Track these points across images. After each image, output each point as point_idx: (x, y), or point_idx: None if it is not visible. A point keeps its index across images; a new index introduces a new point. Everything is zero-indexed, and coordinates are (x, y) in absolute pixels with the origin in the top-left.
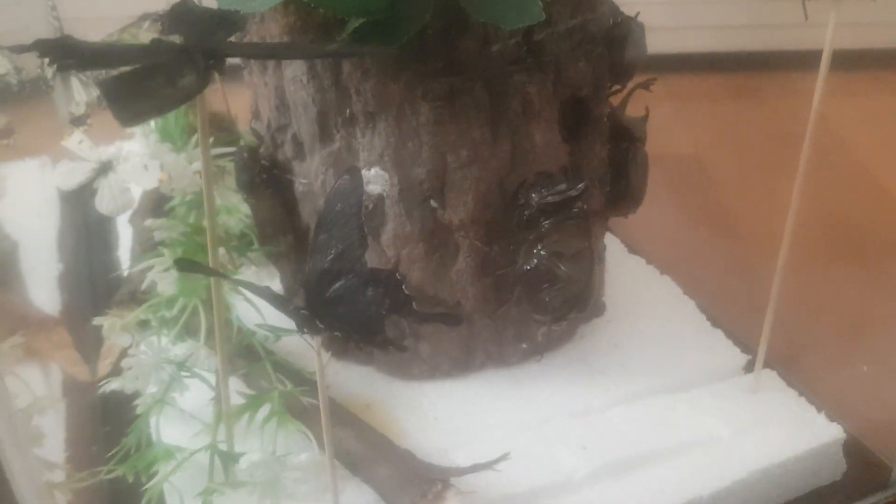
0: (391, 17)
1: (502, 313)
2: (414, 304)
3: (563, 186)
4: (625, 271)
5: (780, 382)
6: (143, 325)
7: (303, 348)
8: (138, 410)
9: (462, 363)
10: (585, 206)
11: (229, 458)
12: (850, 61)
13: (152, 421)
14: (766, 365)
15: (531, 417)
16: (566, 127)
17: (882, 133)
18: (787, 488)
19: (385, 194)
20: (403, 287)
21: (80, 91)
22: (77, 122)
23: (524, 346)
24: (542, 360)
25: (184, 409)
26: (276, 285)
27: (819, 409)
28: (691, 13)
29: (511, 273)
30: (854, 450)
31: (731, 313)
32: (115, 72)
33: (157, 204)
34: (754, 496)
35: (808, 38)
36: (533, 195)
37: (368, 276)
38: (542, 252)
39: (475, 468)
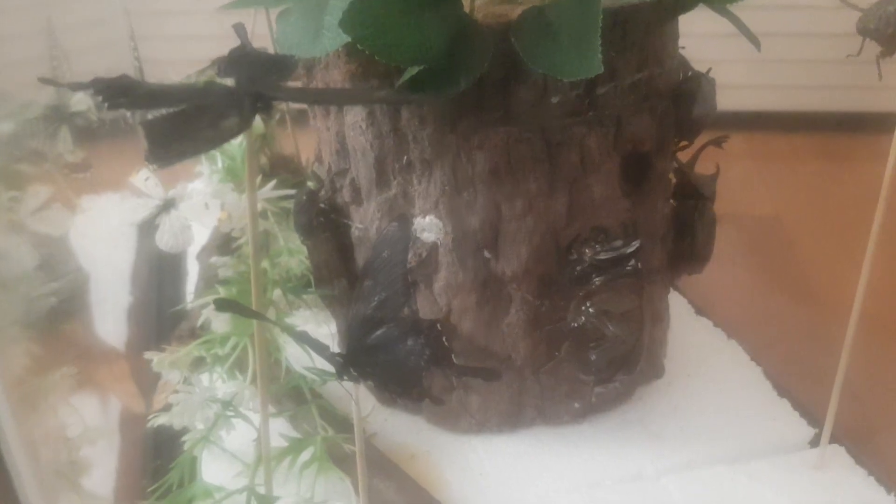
0: (448, 65)
1: (553, 370)
2: (454, 356)
3: (618, 243)
4: (690, 333)
5: (849, 459)
6: (199, 361)
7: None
8: (185, 447)
9: (512, 419)
10: (639, 265)
11: (265, 501)
12: None
13: (197, 458)
14: (835, 440)
15: (580, 479)
16: (628, 182)
17: None
18: None
19: (439, 243)
20: (444, 339)
21: None
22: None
23: (576, 405)
24: (597, 421)
25: (228, 448)
26: (333, 329)
27: (889, 491)
28: (774, 72)
29: (560, 329)
30: None
31: (799, 383)
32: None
33: (225, 242)
34: None
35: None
36: (586, 250)
37: (409, 325)
38: (590, 309)
39: None
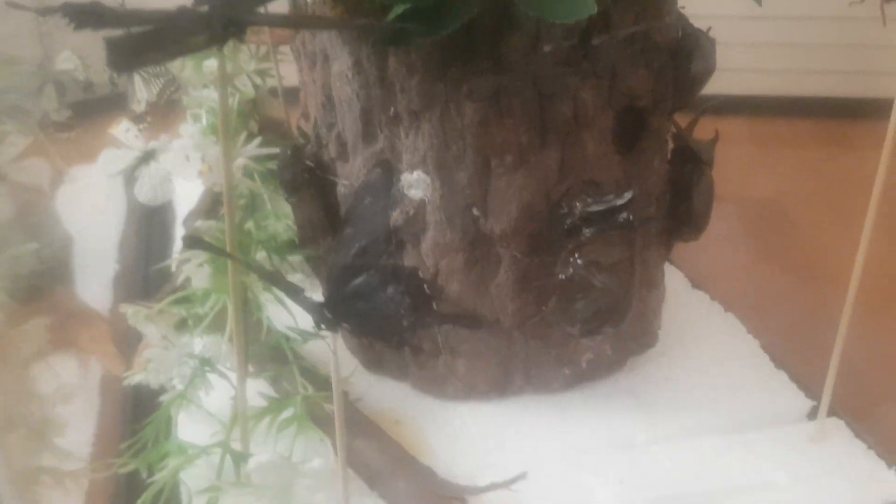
0: (437, 5)
1: (542, 334)
2: (434, 304)
3: (609, 196)
4: (686, 306)
5: (848, 432)
6: (181, 324)
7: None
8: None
9: (499, 385)
10: (631, 217)
11: (240, 458)
12: None
13: (173, 417)
14: (834, 414)
15: (568, 447)
16: (622, 139)
17: None
18: None
19: (427, 200)
20: (425, 286)
21: (142, 89)
22: (138, 119)
23: (566, 371)
24: (587, 389)
25: (209, 409)
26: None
27: (889, 465)
28: (778, 56)
29: (547, 283)
30: None
31: (797, 356)
32: None
33: (212, 207)
34: None
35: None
36: (577, 203)
37: (390, 273)
38: (579, 261)
39: (492, 486)
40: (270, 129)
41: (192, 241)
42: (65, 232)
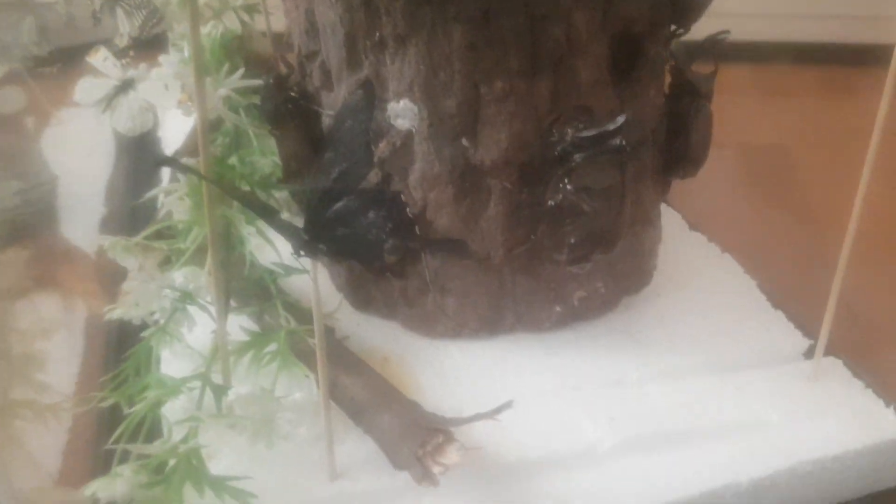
0: None
1: (534, 270)
2: (417, 228)
3: (602, 122)
4: (682, 247)
5: (845, 372)
6: (165, 260)
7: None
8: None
9: (490, 323)
10: (623, 142)
11: (221, 391)
12: None
13: (154, 351)
14: (832, 353)
15: (558, 384)
16: (617, 68)
17: None
18: (841, 487)
19: (414, 130)
20: (408, 210)
21: (124, 23)
22: (120, 54)
23: (558, 308)
24: (579, 328)
25: (192, 345)
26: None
27: (888, 404)
28: (781, 1)
29: (536, 211)
30: None
31: (795, 297)
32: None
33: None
34: (802, 491)
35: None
36: (568, 129)
37: (371, 197)
38: (568, 186)
39: (478, 417)
40: (257, 65)
41: (164, 161)
42: (51, 173)
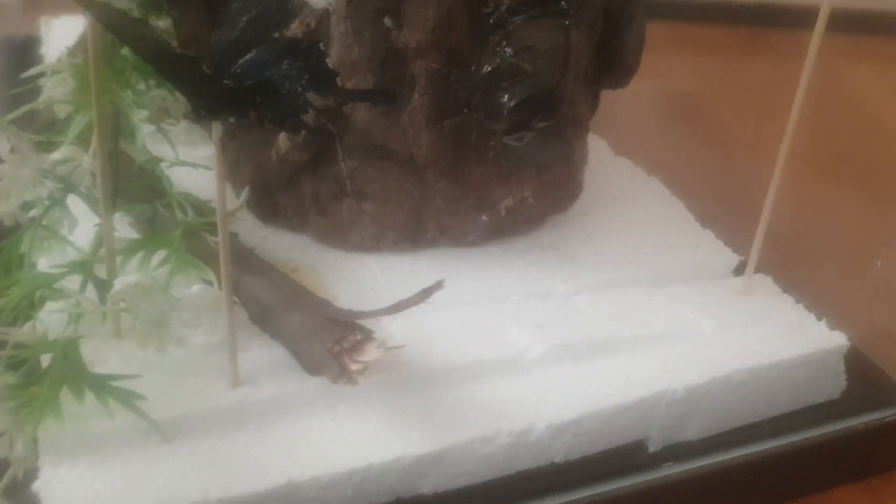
0: None
1: (459, 175)
2: (338, 80)
3: None
4: (608, 170)
5: (776, 288)
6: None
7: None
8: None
9: (411, 233)
10: (567, 5)
11: (105, 286)
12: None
13: (25, 250)
14: (762, 271)
15: (483, 296)
16: None
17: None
18: (775, 398)
19: (331, 9)
20: (327, 60)
21: None
22: None
23: (484, 217)
24: (505, 243)
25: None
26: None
27: (819, 318)
28: None
29: (469, 82)
30: (857, 364)
31: (724, 217)
32: None
33: None
34: (737, 400)
35: None
36: None
37: (285, 46)
38: (507, 49)
39: (402, 305)
40: None
41: None
42: None
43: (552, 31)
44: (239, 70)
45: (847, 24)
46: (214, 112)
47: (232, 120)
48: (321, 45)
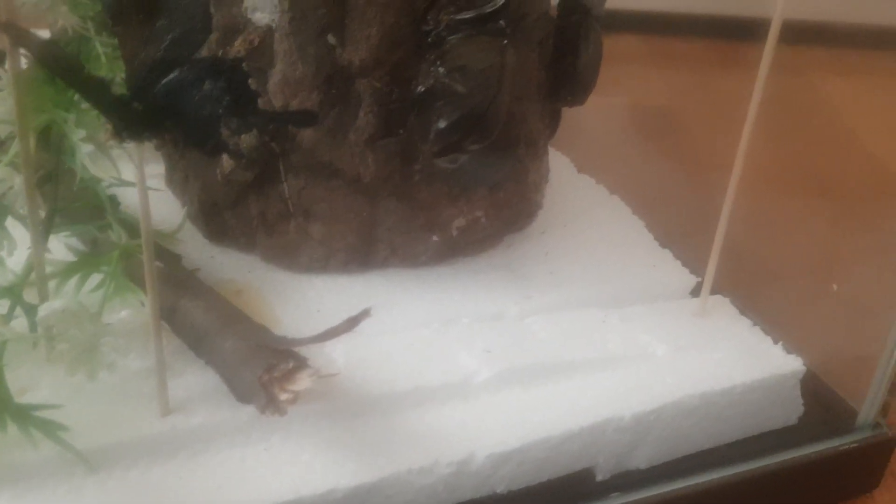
0: None
1: (409, 194)
2: (260, 101)
3: (481, 3)
4: (569, 188)
5: (732, 309)
6: None
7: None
8: None
9: (360, 254)
10: (505, 24)
11: (32, 310)
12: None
13: None
14: (721, 292)
15: (434, 318)
16: None
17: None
18: (729, 424)
19: (274, 25)
20: (250, 82)
21: None
22: None
23: (435, 238)
24: (458, 263)
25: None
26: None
27: (776, 341)
28: None
29: (405, 103)
30: (814, 389)
31: (683, 238)
32: None
33: None
34: (689, 426)
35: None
36: (442, 15)
37: (207, 67)
38: (440, 69)
39: (332, 332)
40: None
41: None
42: None
43: (487, 51)
44: (160, 91)
45: (825, 37)
46: (131, 133)
47: (153, 142)
48: (245, 65)
